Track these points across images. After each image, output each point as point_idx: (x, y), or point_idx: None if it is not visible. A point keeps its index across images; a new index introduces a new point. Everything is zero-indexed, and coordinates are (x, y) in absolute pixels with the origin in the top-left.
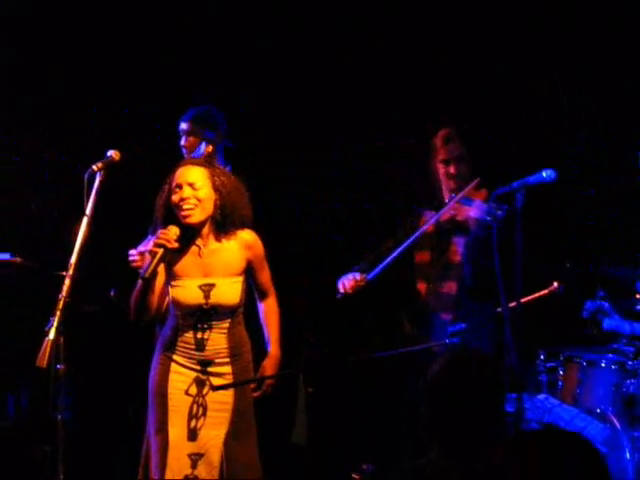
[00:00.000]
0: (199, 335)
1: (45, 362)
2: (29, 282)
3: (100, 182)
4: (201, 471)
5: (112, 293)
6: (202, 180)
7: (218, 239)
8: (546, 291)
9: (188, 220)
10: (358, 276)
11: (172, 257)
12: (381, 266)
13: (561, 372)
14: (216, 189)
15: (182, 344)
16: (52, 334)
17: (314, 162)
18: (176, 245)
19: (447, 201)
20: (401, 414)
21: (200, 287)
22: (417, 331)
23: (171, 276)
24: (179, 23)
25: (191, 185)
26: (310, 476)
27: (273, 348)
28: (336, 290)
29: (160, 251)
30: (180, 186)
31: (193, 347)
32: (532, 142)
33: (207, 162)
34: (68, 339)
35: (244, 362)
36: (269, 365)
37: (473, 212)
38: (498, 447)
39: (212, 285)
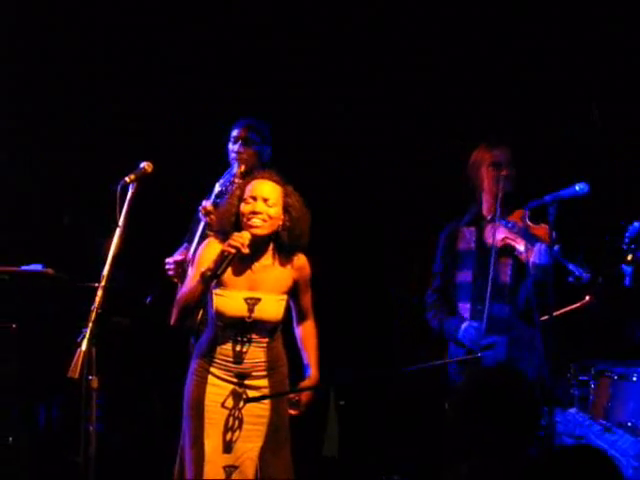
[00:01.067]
0: (238, 348)
1: (77, 373)
2: (61, 293)
3: (133, 194)
4: None
5: (148, 300)
6: (276, 198)
7: (274, 257)
8: (578, 304)
9: (253, 231)
10: (477, 326)
11: None
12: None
13: (592, 386)
14: (286, 210)
15: (220, 356)
16: (84, 345)
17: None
18: (247, 251)
19: (497, 221)
20: (433, 428)
21: (246, 300)
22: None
23: (218, 284)
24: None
25: (265, 201)
26: None
27: (313, 370)
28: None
29: (233, 252)
30: (255, 198)
31: (231, 360)
32: (566, 155)
33: (282, 180)
34: (100, 350)
35: (280, 376)
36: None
37: (536, 257)
38: (532, 461)
39: (258, 300)
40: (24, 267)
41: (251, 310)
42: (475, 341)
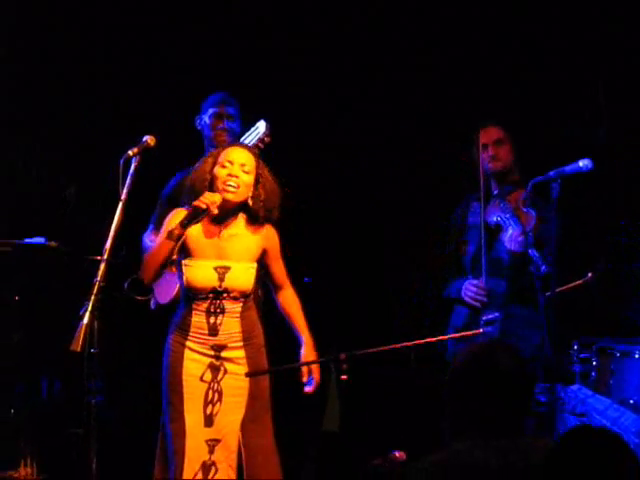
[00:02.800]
0: (212, 320)
1: (79, 346)
2: (63, 266)
3: (135, 167)
4: (219, 456)
5: (126, 285)
6: (251, 166)
7: (243, 226)
8: (580, 281)
9: (228, 197)
10: (477, 282)
11: (190, 232)
12: (484, 266)
13: (595, 363)
14: (258, 181)
15: (195, 329)
16: (86, 318)
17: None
18: (216, 212)
19: (493, 200)
20: (433, 403)
21: (215, 269)
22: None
23: (186, 255)
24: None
25: (242, 166)
26: (338, 462)
27: (305, 335)
28: (472, 306)
29: (204, 207)
30: (232, 163)
31: (206, 332)
32: (570, 131)
33: (255, 152)
34: (102, 323)
35: (257, 346)
36: (308, 353)
37: (509, 243)
38: (533, 440)
39: (227, 268)
40: (27, 240)
41: (221, 279)
42: (474, 297)
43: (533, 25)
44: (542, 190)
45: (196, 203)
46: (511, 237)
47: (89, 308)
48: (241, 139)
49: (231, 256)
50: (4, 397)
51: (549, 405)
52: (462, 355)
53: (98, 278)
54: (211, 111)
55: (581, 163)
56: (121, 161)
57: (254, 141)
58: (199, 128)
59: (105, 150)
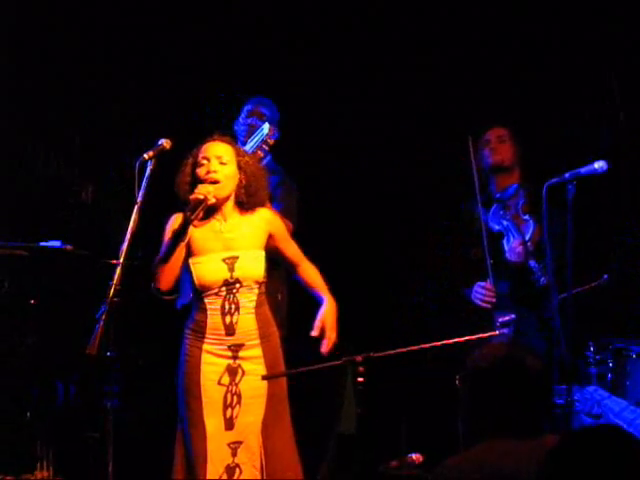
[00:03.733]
0: (227, 319)
1: (95, 350)
2: (80, 270)
3: (151, 170)
4: (242, 458)
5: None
6: (229, 156)
7: (239, 215)
8: (596, 283)
9: (213, 192)
10: (484, 284)
11: (192, 233)
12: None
13: (610, 364)
14: (241, 168)
15: (211, 330)
16: (103, 322)
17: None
18: (214, 200)
19: (497, 200)
20: (448, 405)
21: (224, 260)
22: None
23: (192, 254)
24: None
25: (219, 158)
26: (355, 464)
27: (326, 295)
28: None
29: (202, 197)
30: (208, 159)
31: (223, 332)
32: (585, 133)
33: (232, 140)
34: (118, 327)
35: (273, 343)
36: (328, 310)
37: (507, 253)
38: (548, 440)
39: (236, 257)
40: (43, 243)
41: (231, 269)
42: (483, 299)
43: (540, 24)
44: (554, 193)
45: (192, 196)
46: (511, 248)
47: (105, 311)
48: (247, 142)
49: (237, 246)
50: (20, 400)
51: (565, 407)
52: (483, 356)
53: (114, 281)
54: (246, 108)
55: (596, 165)
56: (137, 164)
57: (258, 144)
58: (235, 129)
59: (121, 153)
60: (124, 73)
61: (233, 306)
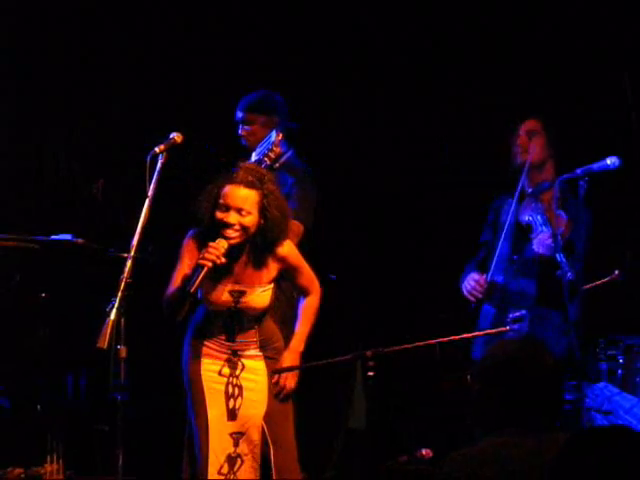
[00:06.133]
0: (229, 329)
1: (106, 343)
2: (90, 263)
3: (162, 164)
4: (243, 448)
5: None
6: (251, 206)
7: (253, 255)
8: (607, 279)
9: (229, 242)
10: (478, 277)
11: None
12: (494, 263)
13: (621, 360)
14: (262, 214)
15: (213, 334)
16: (113, 315)
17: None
18: (223, 261)
19: (530, 194)
20: (458, 400)
21: (230, 292)
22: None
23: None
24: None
25: (239, 211)
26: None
27: (294, 341)
28: (466, 299)
29: (210, 265)
30: (228, 208)
31: (224, 338)
32: (597, 129)
33: (259, 178)
34: (128, 320)
35: (276, 349)
36: (287, 357)
37: (537, 246)
38: (560, 437)
39: (242, 292)
40: (54, 237)
41: (237, 302)
42: (470, 291)
43: (550, 24)
44: (570, 187)
45: (201, 261)
46: (540, 240)
47: (116, 305)
48: (256, 149)
49: (246, 281)
50: (30, 393)
51: (575, 403)
52: (497, 351)
53: (125, 275)
54: (236, 116)
55: (609, 161)
56: (148, 158)
57: (264, 151)
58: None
59: (132, 147)
60: (136, 68)
61: (235, 323)
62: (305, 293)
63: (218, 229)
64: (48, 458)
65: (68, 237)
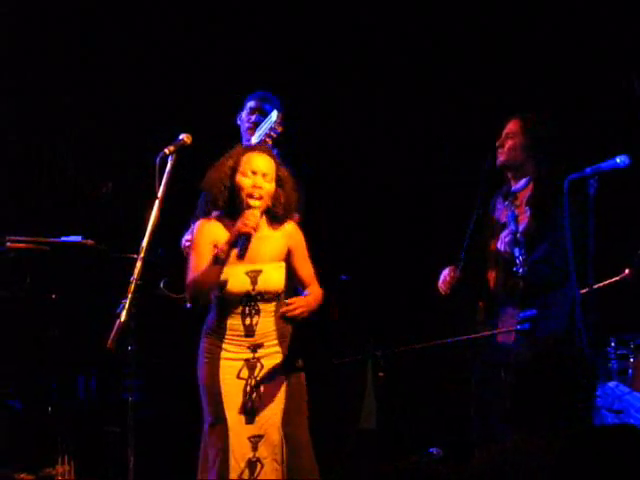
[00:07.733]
0: (247, 321)
1: (115, 344)
2: (100, 265)
3: (172, 165)
4: (263, 452)
5: (162, 284)
6: (272, 172)
7: (267, 228)
8: (617, 278)
9: (255, 209)
10: (447, 271)
11: (218, 240)
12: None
13: (632, 360)
14: (279, 183)
15: (230, 332)
16: (123, 316)
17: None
18: (255, 232)
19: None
20: (467, 400)
21: (247, 273)
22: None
23: None
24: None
25: (265, 176)
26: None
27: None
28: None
29: (253, 232)
30: (255, 172)
31: (242, 333)
32: (606, 128)
33: (272, 154)
34: (139, 321)
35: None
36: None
37: (498, 243)
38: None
39: (259, 271)
40: (64, 238)
41: (254, 282)
42: (439, 282)
43: (559, 22)
44: (577, 187)
45: (244, 229)
46: (501, 237)
47: (126, 306)
48: (256, 130)
49: (261, 258)
50: (41, 395)
51: (586, 402)
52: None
53: (135, 276)
54: (249, 105)
55: (618, 159)
56: (157, 159)
57: (266, 131)
58: (238, 124)
59: (141, 148)
60: (144, 69)
61: (253, 310)
62: (306, 285)
63: (235, 205)
64: (59, 459)
65: (78, 238)
